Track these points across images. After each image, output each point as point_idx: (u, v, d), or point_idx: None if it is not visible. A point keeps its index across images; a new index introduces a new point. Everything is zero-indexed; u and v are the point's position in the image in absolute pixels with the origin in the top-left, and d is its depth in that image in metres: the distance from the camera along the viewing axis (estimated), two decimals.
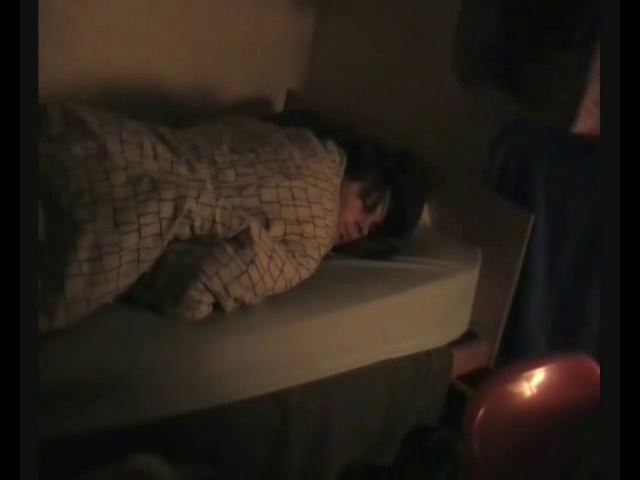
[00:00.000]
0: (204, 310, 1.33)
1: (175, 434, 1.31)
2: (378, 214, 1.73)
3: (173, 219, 1.30)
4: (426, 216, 1.89)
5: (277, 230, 1.47)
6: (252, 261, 1.35)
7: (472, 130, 1.94)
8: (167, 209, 1.30)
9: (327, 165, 1.62)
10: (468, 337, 1.81)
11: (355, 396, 1.55)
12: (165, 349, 1.29)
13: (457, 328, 1.79)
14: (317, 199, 1.54)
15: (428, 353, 1.69)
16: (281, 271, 1.40)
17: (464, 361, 1.79)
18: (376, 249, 1.69)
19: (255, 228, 1.39)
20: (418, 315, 1.64)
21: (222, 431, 1.37)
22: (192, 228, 1.34)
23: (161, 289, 1.31)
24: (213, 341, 1.33)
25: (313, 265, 1.50)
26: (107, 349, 1.24)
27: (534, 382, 1.16)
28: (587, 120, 1.56)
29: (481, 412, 1.08)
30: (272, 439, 1.43)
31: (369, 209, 1.72)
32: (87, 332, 1.24)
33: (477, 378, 1.72)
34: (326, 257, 1.59)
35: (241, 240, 1.36)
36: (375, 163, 1.75)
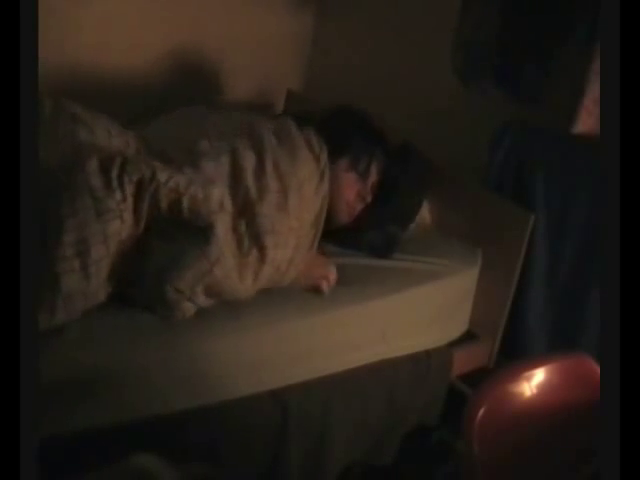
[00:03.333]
0: (186, 307, 1.32)
1: (174, 433, 1.31)
2: (374, 174, 1.72)
3: (142, 201, 1.29)
4: (426, 215, 1.90)
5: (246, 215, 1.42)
6: (217, 260, 1.32)
7: (472, 130, 1.94)
8: (137, 190, 1.30)
9: (304, 153, 1.57)
10: (468, 337, 1.82)
11: (355, 395, 1.55)
12: (164, 347, 1.29)
13: (457, 328, 1.79)
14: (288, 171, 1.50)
15: (428, 353, 1.69)
16: (254, 272, 1.39)
17: (464, 361, 1.79)
18: (378, 241, 1.69)
19: (223, 224, 1.35)
20: (418, 315, 1.64)
21: (222, 430, 1.37)
22: (159, 211, 1.32)
23: (146, 291, 1.31)
24: (212, 339, 1.33)
25: (286, 257, 1.46)
26: (105, 348, 1.24)
27: (534, 382, 1.16)
28: (587, 120, 1.56)
29: (481, 412, 1.08)
30: (272, 438, 1.43)
31: (364, 175, 1.71)
32: (85, 331, 1.24)
33: (477, 378, 1.72)
34: (327, 255, 1.59)
35: (207, 235, 1.33)
36: (353, 132, 1.72)
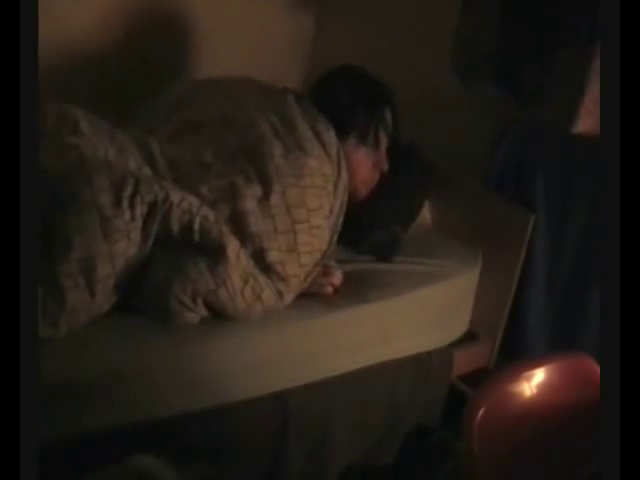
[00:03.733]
0: (190, 316, 1.31)
1: (175, 435, 1.31)
2: (384, 140, 1.67)
3: (153, 222, 1.28)
4: (427, 215, 1.90)
5: (253, 245, 1.37)
6: (223, 282, 1.30)
7: (472, 130, 1.94)
8: (149, 211, 1.28)
9: (315, 156, 1.47)
10: (468, 337, 1.82)
11: (355, 396, 1.55)
12: (166, 349, 1.29)
13: (457, 328, 1.79)
14: (298, 201, 1.41)
15: (428, 353, 1.69)
16: (258, 297, 1.35)
17: (464, 361, 1.79)
18: (381, 242, 1.68)
19: (233, 247, 1.32)
20: (419, 316, 1.63)
21: (222, 432, 1.37)
22: (170, 232, 1.30)
23: (149, 300, 1.31)
24: (214, 341, 1.33)
25: (295, 283, 1.42)
26: (107, 349, 1.24)
27: (534, 382, 1.16)
28: (587, 120, 1.56)
29: (481, 412, 1.08)
30: (272, 439, 1.43)
31: (374, 145, 1.65)
32: (87, 332, 1.24)
33: (477, 378, 1.72)
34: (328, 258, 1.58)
35: (217, 256, 1.30)
36: (353, 103, 1.63)
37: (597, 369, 1.17)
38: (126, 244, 1.25)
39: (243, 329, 1.36)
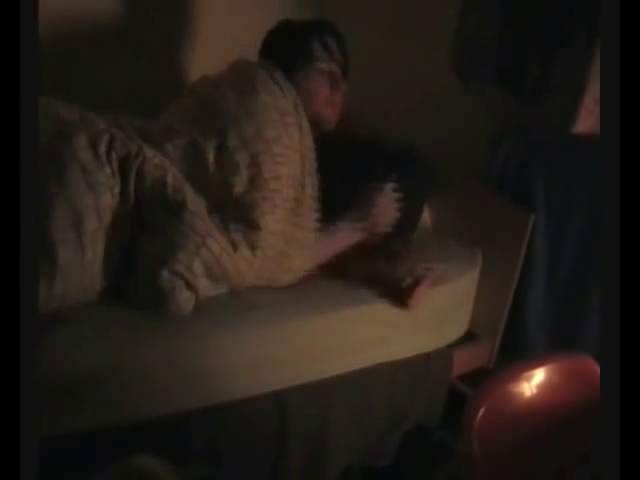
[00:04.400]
0: (184, 297, 1.31)
1: (175, 434, 1.31)
2: (334, 54, 1.74)
3: (129, 176, 1.32)
4: (426, 217, 1.89)
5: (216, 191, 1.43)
6: (208, 232, 1.33)
7: (472, 130, 1.94)
8: (124, 165, 1.33)
9: (269, 92, 1.55)
10: (468, 337, 1.82)
11: (355, 396, 1.55)
12: (164, 347, 1.28)
13: (457, 329, 1.79)
14: (254, 135, 1.47)
15: (428, 353, 1.69)
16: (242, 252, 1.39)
17: (464, 361, 1.79)
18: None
19: (202, 203, 1.38)
20: (418, 318, 1.63)
21: (222, 431, 1.37)
22: (143, 187, 1.34)
23: (140, 282, 1.32)
24: (213, 339, 1.33)
25: (269, 210, 1.45)
26: (106, 347, 1.23)
27: (534, 382, 1.16)
28: (587, 120, 1.56)
29: (481, 412, 1.08)
30: (272, 439, 1.44)
31: (325, 63, 1.72)
32: (85, 330, 1.24)
33: (477, 378, 1.72)
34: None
35: (193, 211, 1.34)
36: (289, 41, 1.75)
37: (597, 369, 1.17)
38: (110, 198, 1.29)
39: (242, 327, 1.36)
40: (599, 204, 1.63)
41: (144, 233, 1.34)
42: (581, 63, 1.53)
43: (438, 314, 1.68)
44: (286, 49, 1.72)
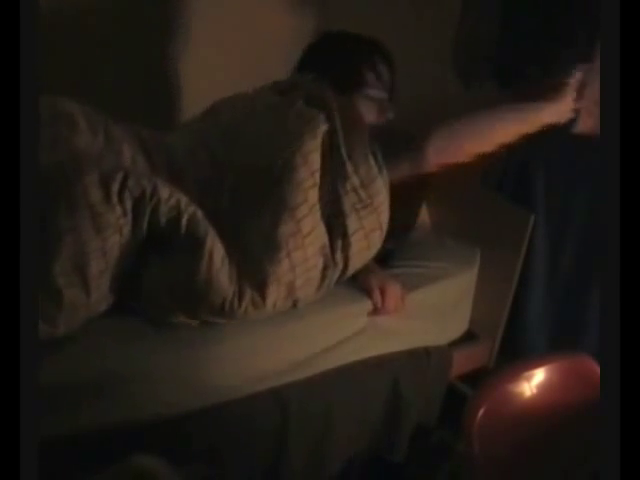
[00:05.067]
0: (190, 322, 1.32)
1: (174, 434, 1.31)
2: (379, 85, 1.64)
3: (143, 216, 1.27)
4: (425, 217, 1.89)
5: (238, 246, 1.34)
6: (207, 282, 1.27)
7: None
8: (138, 205, 1.27)
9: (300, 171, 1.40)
10: (468, 337, 1.81)
11: (355, 394, 1.55)
12: (165, 348, 1.28)
13: (457, 328, 1.79)
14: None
15: (427, 352, 1.68)
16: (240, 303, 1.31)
17: (464, 361, 1.79)
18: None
19: (219, 249, 1.30)
20: (417, 317, 1.63)
21: (222, 430, 1.37)
22: (158, 227, 1.29)
23: (145, 302, 1.30)
24: (213, 339, 1.33)
25: (275, 282, 1.34)
26: (107, 349, 1.24)
27: (534, 382, 1.16)
28: (587, 120, 1.56)
29: (481, 412, 1.08)
30: (272, 438, 1.43)
31: (361, 86, 1.61)
32: (87, 332, 1.24)
33: (477, 378, 1.72)
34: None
35: (201, 255, 1.28)
36: (340, 61, 1.65)
37: (597, 369, 1.17)
38: (118, 239, 1.24)
39: (241, 326, 1.36)
40: (599, 204, 1.63)
41: (150, 256, 1.30)
42: (581, 63, 1.53)
43: (437, 312, 1.68)
44: (333, 69, 1.61)
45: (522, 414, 1.14)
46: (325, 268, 1.40)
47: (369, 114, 1.62)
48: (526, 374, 1.16)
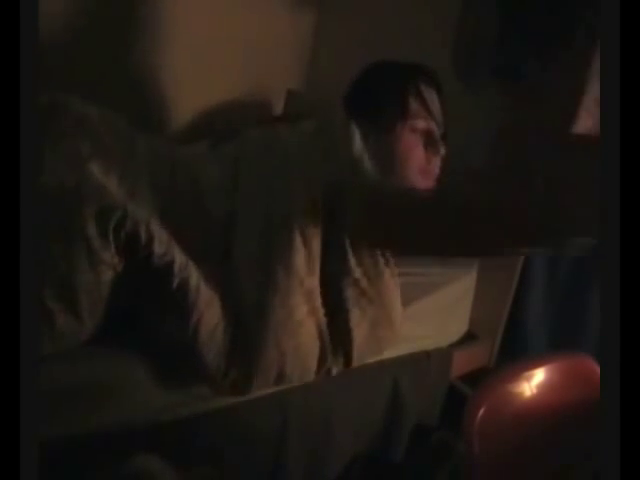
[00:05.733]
0: None
1: (175, 435, 1.31)
2: (427, 116, 1.49)
3: (136, 258, 1.20)
4: None
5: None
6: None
7: (472, 130, 1.94)
8: (132, 248, 1.20)
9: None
10: (468, 337, 1.81)
11: (355, 396, 1.55)
12: None
13: (457, 329, 1.79)
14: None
15: (427, 353, 1.69)
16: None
17: (464, 361, 1.78)
18: None
19: (211, 316, 1.23)
20: (417, 326, 1.62)
21: (222, 432, 1.37)
22: (148, 272, 1.21)
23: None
24: None
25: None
26: (107, 351, 1.24)
27: (534, 382, 1.16)
28: (587, 120, 1.56)
29: (481, 412, 1.08)
30: (272, 439, 1.43)
31: (420, 125, 1.47)
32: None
33: (477, 378, 1.72)
34: None
35: (191, 319, 1.21)
36: (385, 90, 1.52)
37: (597, 369, 1.17)
38: (112, 275, 1.19)
39: None
40: (599, 204, 1.63)
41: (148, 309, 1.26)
42: (581, 63, 1.53)
43: (438, 318, 1.68)
44: (374, 103, 1.50)
45: (522, 414, 1.14)
46: (322, 357, 1.33)
47: (416, 149, 1.48)
48: (526, 374, 1.16)
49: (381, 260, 1.35)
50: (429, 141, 1.50)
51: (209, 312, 1.22)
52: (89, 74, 1.96)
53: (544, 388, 1.16)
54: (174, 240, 1.24)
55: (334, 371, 1.37)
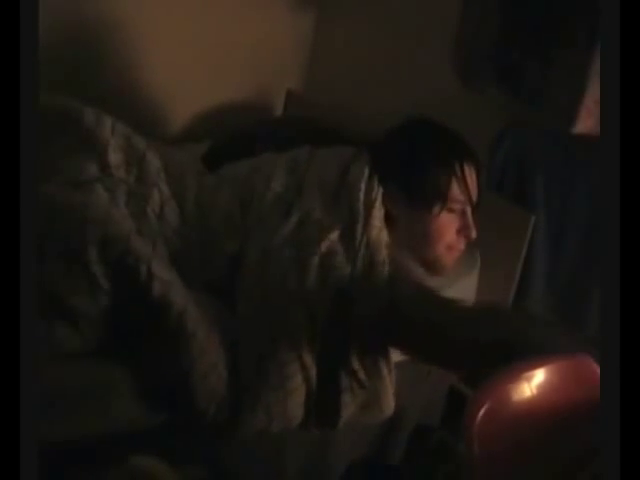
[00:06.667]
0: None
1: (175, 434, 1.31)
2: (466, 201, 1.45)
3: (134, 291, 1.19)
4: None
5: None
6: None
7: (472, 130, 1.94)
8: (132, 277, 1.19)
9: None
10: None
11: None
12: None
13: None
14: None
15: None
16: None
17: None
18: None
19: (209, 356, 1.22)
20: None
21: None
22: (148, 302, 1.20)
23: None
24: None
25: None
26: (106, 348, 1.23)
27: (534, 382, 1.16)
28: (587, 120, 1.56)
29: (481, 412, 1.07)
30: (272, 438, 1.43)
31: (458, 209, 1.44)
32: None
33: (477, 378, 1.71)
34: None
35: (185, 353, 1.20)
36: (423, 169, 1.44)
37: (597, 369, 1.17)
38: (108, 300, 1.19)
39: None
40: (599, 204, 1.63)
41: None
42: (581, 63, 1.53)
43: None
44: (409, 175, 1.42)
45: (522, 414, 1.14)
46: (306, 421, 1.31)
47: (450, 229, 1.46)
48: (526, 374, 1.16)
49: (381, 360, 1.35)
50: (463, 223, 1.48)
51: (202, 358, 1.21)
52: (88, 75, 1.97)
53: (544, 388, 1.16)
54: (176, 272, 1.24)
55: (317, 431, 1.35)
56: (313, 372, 1.28)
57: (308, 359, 1.27)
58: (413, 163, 1.44)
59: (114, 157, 1.34)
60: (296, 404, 1.27)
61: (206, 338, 1.21)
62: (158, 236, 1.31)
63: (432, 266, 1.47)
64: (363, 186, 1.38)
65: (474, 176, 1.48)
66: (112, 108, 1.52)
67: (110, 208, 1.24)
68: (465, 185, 1.45)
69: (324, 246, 1.31)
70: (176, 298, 1.19)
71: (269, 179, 1.43)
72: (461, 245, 1.50)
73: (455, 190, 1.44)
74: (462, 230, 1.48)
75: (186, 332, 1.19)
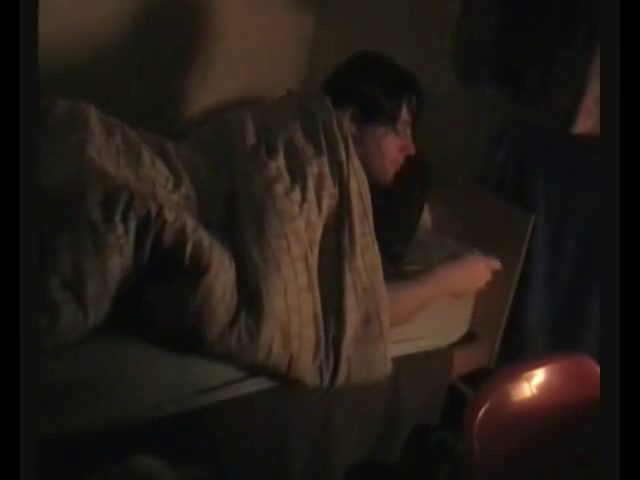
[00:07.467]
0: None
1: (174, 434, 1.31)
2: (405, 118, 1.69)
3: (146, 238, 1.23)
4: (427, 218, 1.89)
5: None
6: (199, 312, 1.23)
7: (472, 130, 1.94)
8: (142, 226, 1.23)
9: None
10: (468, 337, 1.81)
11: (355, 394, 1.55)
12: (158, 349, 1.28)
13: (457, 330, 1.79)
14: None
15: (427, 353, 1.69)
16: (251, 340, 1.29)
17: (464, 361, 1.79)
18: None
19: (221, 279, 1.26)
20: (416, 325, 1.62)
21: (222, 429, 1.37)
22: (162, 250, 1.25)
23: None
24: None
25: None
26: (105, 347, 1.23)
27: (534, 382, 1.16)
28: (587, 120, 1.56)
29: (481, 412, 1.08)
30: (272, 438, 1.43)
31: (402, 131, 1.67)
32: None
33: (477, 378, 1.72)
34: None
35: (200, 283, 1.24)
36: (379, 93, 1.67)
37: (597, 369, 1.17)
38: (119, 261, 1.20)
39: None
40: (599, 204, 1.63)
41: (156, 289, 1.26)
42: (581, 63, 1.53)
43: (438, 314, 1.68)
44: (365, 97, 1.66)
45: (522, 414, 1.14)
46: (317, 344, 1.38)
47: (393, 149, 1.69)
48: (526, 374, 1.16)
49: (379, 256, 1.47)
50: (405, 143, 1.70)
51: (223, 270, 1.27)
52: (87, 74, 1.97)
53: (544, 388, 1.16)
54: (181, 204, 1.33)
55: (325, 378, 1.39)
56: (315, 272, 1.39)
57: (312, 259, 1.39)
58: (371, 90, 1.66)
59: (98, 127, 1.40)
60: (307, 310, 1.36)
61: (221, 251, 1.28)
62: (155, 180, 1.38)
63: (378, 177, 1.66)
64: (334, 120, 1.57)
65: (418, 105, 1.71)
66: (110, 107, 1.52)
67: (102, 164, 1.29)
68: (411, 110, 1.69)
69: (315, 170, 1.47)
70: (188, 219, 1.27)
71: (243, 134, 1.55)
72: (401, 160, 1.71)
73: (404, 114, 1.67)
74: (404, 147, 1.70)
75: (204, 247, 1.25)
